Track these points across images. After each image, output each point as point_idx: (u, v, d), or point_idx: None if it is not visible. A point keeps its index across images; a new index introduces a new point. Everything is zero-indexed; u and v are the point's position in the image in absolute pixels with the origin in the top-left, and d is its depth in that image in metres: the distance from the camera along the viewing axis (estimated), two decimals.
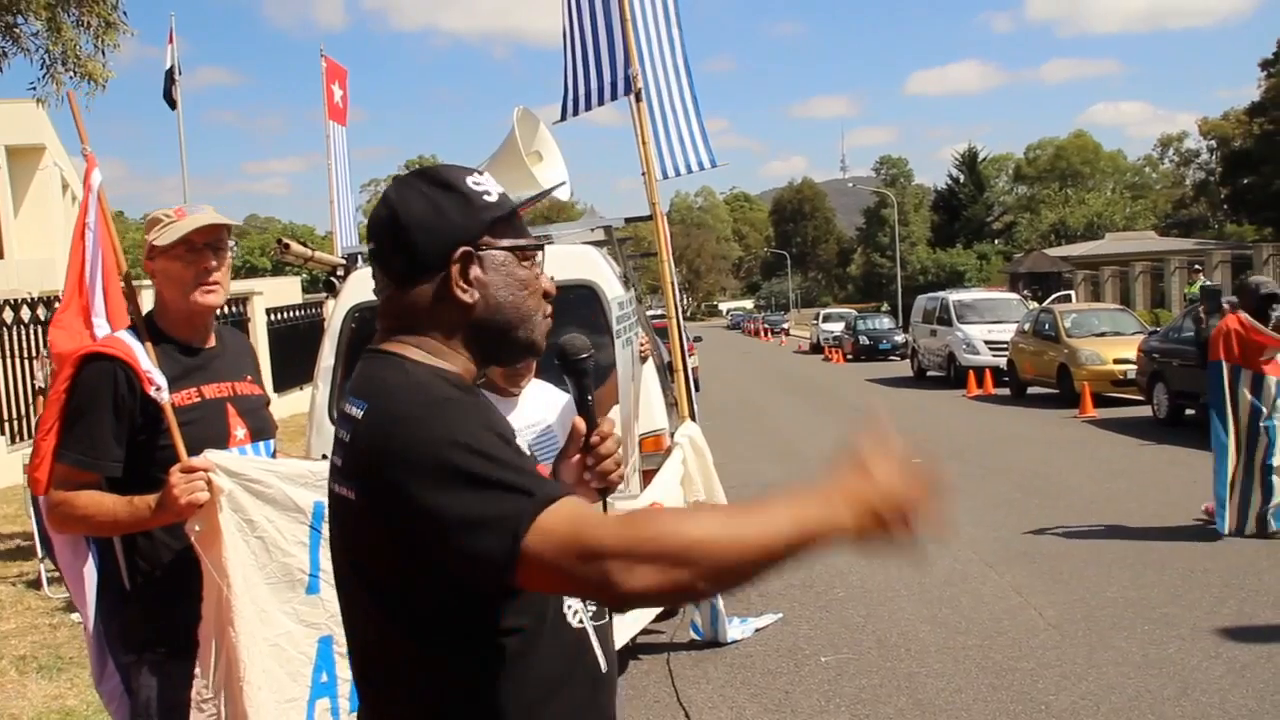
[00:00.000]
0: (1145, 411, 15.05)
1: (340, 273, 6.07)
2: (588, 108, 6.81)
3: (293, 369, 19.35)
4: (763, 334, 63.02)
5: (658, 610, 5.27)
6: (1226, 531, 7.73)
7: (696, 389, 9.13)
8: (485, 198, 1.62)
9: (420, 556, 1.44)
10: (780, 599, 6.85)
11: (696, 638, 6.06)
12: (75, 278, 2.91)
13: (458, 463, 1.41)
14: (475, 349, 1.63)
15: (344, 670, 2.77)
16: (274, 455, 2.95)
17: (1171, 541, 7.80)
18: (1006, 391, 19.92)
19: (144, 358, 2.66)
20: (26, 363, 12.85)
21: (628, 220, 6.89)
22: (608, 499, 1.90)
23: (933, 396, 20.88)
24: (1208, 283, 18.28)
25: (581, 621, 1.66)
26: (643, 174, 6.48)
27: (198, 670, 2.65)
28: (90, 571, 2.80)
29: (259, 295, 19.91)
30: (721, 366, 32.85)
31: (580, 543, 1.38)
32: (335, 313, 5.90)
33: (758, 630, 6.23)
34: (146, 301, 2.94)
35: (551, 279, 1.72)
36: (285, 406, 18.10)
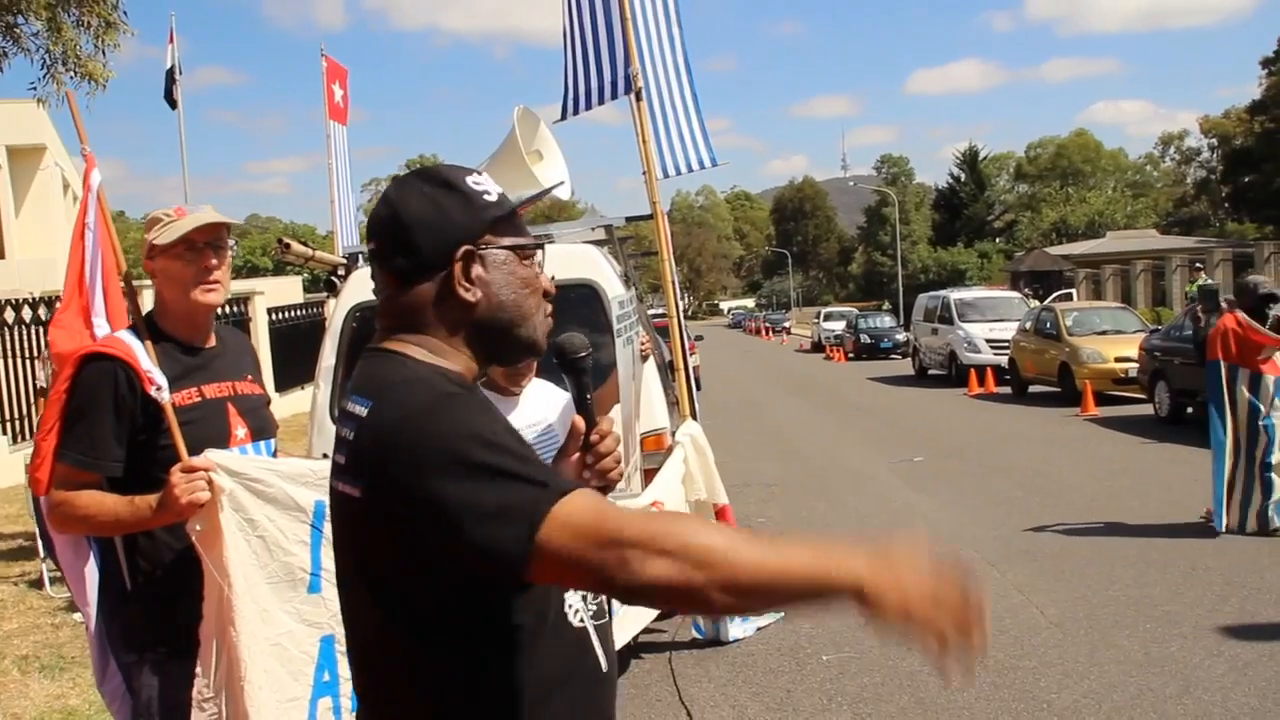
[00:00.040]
0: (1147, 410, 15.04)
1: (341, 272, 6.06)
2: (588, 107, 6.81)
3: (294, 368, 19.35)
4: (764, 333, 63.00)
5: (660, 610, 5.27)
6: (1224, 529, 7.77)
7: (698, 388, 9.14)
8: (485, 197, 1.63)
9: (426, 553, 1.44)
10: None
11: (698, 636, 6.06)
12: (75, 278, 2.91)
13: (470, 455, 1.41)
14: (477, 348, 1.63)
15: (346, 669, 2.76)
16: (275, 454, 2.95)
17: (1173, 540, 7.79)
18: (1008, 390, 19.91)
19: (144, 357, 2.66)
20: (28, 363, 12.85)
21: (628, 219, 6.88)
22: (607, 497, 1.90)
23: (934, 395, 20.88)
24: (1206, 281, 18.28)
25: (582, 621, 1.66)
26: (643, 173, 6.47)
27: (199, 670, 2.65)
28: (92, 571, 2.80)
29: (260, 295, 19.90)
30: (723, 365, 32.84)
31: (600, 529, 1.38)
32: (336, 312, 5.89)
33: (759, 629, 6.22)
34: (146, 302, 2.93)
35: (552, 278, 1.72)
36: (287, 406, 18.09)
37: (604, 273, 5.81)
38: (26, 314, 13.09)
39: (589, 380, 1.92)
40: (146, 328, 2.76)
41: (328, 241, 18.63)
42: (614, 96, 6.61)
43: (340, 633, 2.70)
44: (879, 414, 18.05)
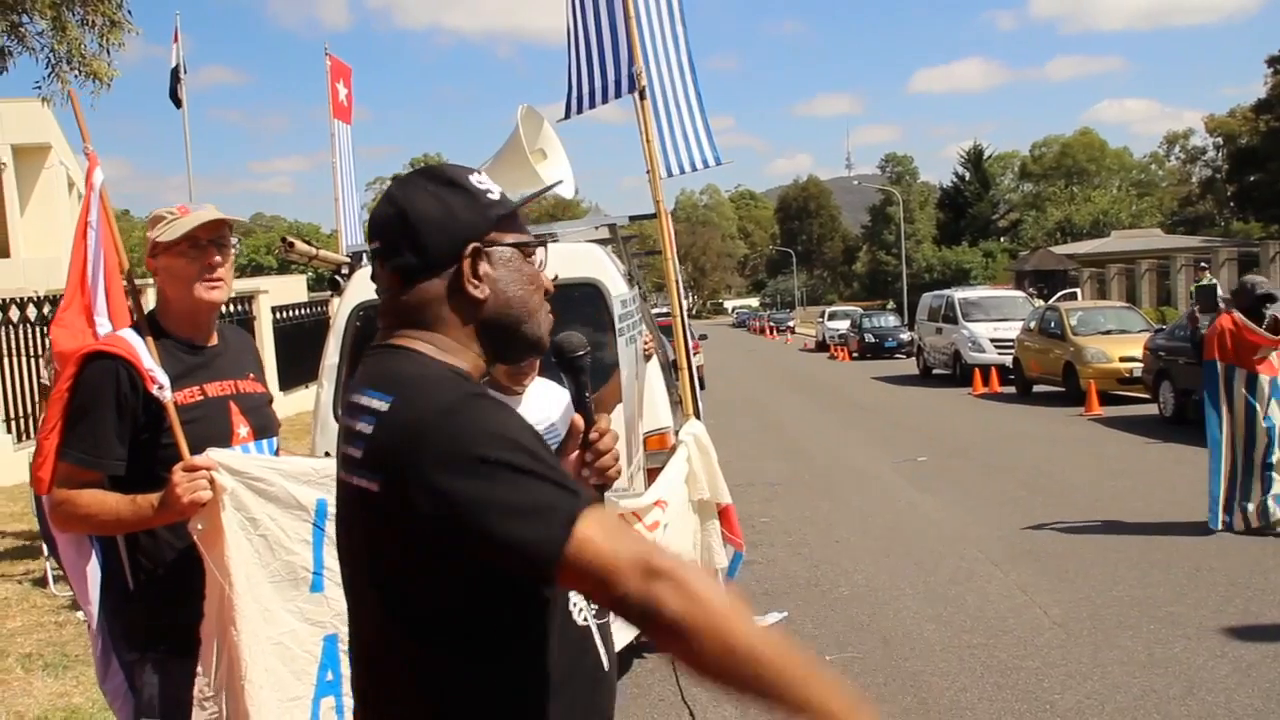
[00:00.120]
0: (1151, 410, 15.02)
1: (345, 271, 6.06)
2: (591, 106, 6.79)
3: (298, 367, 19.36)
4: (768, 332, 62.99)
5: None
6: (1219, 528, 7.83)
7: (702, 387, 9.13)
8: (489, 195, 1.64)
9: (446, 550, 1.44)
10: (785, 598, 6.85)
11: None
12: (77, 276, 2.92)
13: (505, 456, 1.42)
14: (484, 345, 1.64)
15: (349, 668, 2.76)
16: (277, 453, 2.95)
17: (1177, 540, 7.78)
18: (1012, 389, 19.89)
19: (146, 356, 2.66)
20: (33, 361, 12.86)
21: (632, 218, 6.87)
22: (606, 495, 1.92)
23: (938, 394, 20.86)
24: (1205, 281, 18.27)
25: (586, 620, 1.66)
26: (647, 172, 6.46)
27: (200, 669, 2.65)
28: (94, 570, 2.80)
29: (265, 294, 19.91)
30: (727, 364, 32.83)
31: (633, 545, 1.42)
32: (340, 311, 5.89)
33: None
34: (148, 301, 2.93)
35: (555, 277, 1.73)
36: (291, 404, 18.12)
37: (608, 271, 5.80)
38: (31, 312, 13.10)
39: (587, 379, 1.94)
40: (149, 326, 2.76)
41: (332, 240, 18.64)
42: (617, 95, 6.59)
43: (344, 632, 2.70)
44: (883, 413, 18.03)
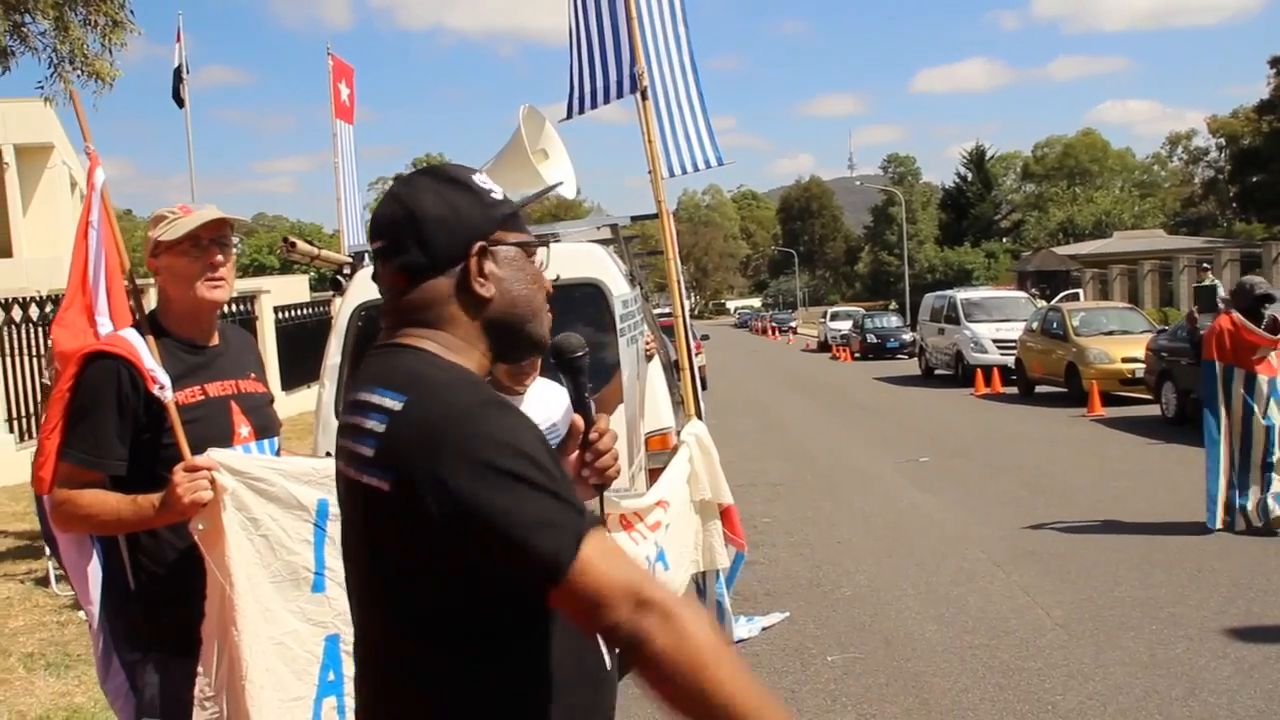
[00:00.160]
0: (1153, 410, 15.01)
1: (347, 271, 6.06)
2: (593, 106, 6.79)
3: (300, 367, 19.36)
4: (770, 332, 62.99)
5: None
6: (1217, 527, 7.89)
7: (704, 387, 9.12)
8: (493, 195, 1.65)
9: (450, 551, 1.44)
10: (787, 598, 6.85)
11: None
12: (78, 276, 2.92)
13: (517, 466, 1.43)
14: (490, 343, 1.64)
15: (351, 668, 2.76)
16: (278, 453, 2.95)
17: (1179, 541, 7.78)
18: (1014, 390, 19.89)
19: (147, 356, 2.66)
20: (35, 361, 12.88)
21: (634, 218, 6.86)
22: (606, 494, 1.94)
23: (940, 395, 20.85)
24: (1205, 282, 18.28)
25: None
26: (649, 172, 6.46)
27: (200, 669, 2.65)
28: (95, 570, 2.80)
29: (267, 294, 19.91)
30: (729, 365, 32.83)
31: (629, 579, 1.43)
32: (342, 310, 5.89)
33: (764, 629, 6.22)
34: (149, 301, 2.94)
35: (557, 277, 1.74)
36: (294, 404, 18.12)
37: (609, 272, 5.80)
38: (34, 312, 13.12)
39: (585, 379, 1.95)
40: (150, 326, 2.76)
41: (334, 240, 18.64)
42: (619, 95, 6.59)
43: (346, 632, 2.70)
44: (885, 414, 18.03)
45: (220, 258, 2.77)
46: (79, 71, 9.19)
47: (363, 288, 5.72)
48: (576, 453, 1.93)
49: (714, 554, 5.70)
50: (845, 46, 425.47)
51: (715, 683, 1.41)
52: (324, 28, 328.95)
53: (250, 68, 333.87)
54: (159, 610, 2.70)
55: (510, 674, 1.51)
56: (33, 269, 20.86)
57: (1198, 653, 5.48)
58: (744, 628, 6.12)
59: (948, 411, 17.89)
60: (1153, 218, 68.11)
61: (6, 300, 12.92)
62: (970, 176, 76.25)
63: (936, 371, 24.47)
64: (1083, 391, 16.59)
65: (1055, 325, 18.87)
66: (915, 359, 27.55)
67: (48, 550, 7.12)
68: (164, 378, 2.64)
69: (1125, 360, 16.65)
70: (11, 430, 12.93)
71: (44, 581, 7.54)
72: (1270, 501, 7.80)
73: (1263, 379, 7.80)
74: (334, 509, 2.67)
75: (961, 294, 25.35)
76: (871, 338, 34.52)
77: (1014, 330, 21.14)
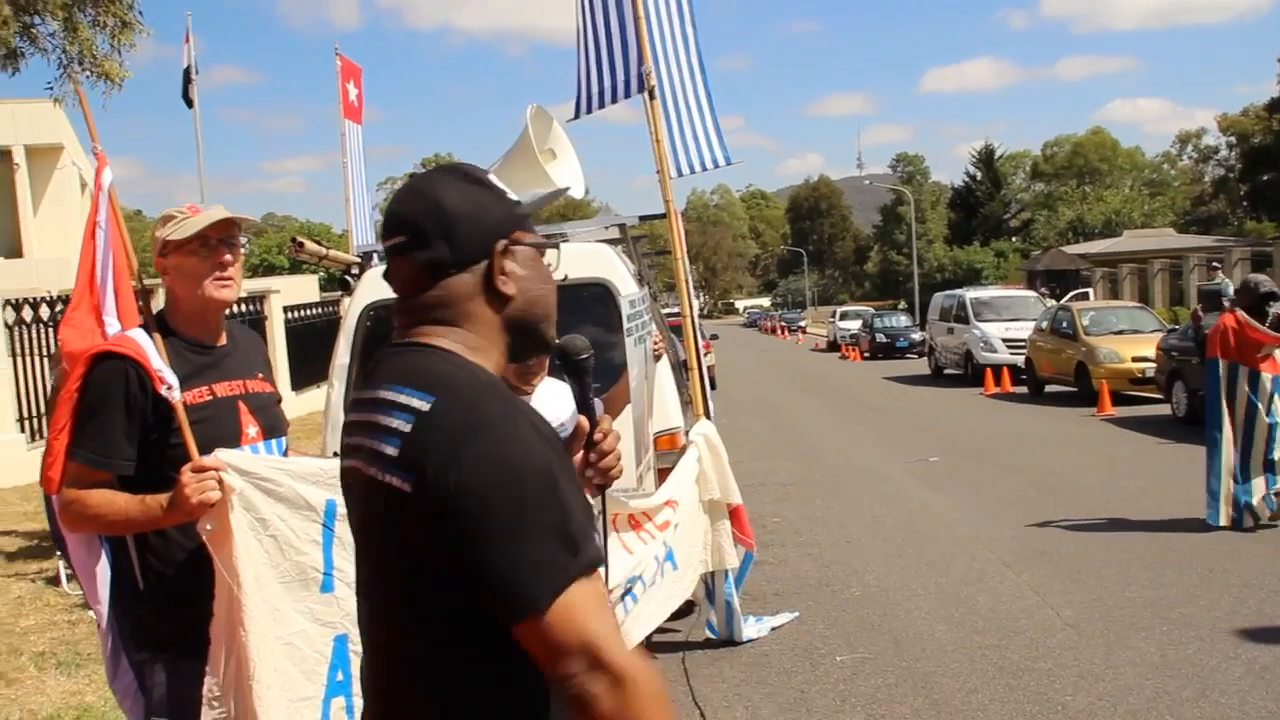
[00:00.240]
0: (1164, 410, 14.97)
1: (355, 271, 6.07)
2: (601, 105, 6.80)
3: (310, 367, 19.38)
4: (779, 332, 62.95)
5: (673, 609, 5.26)
6: (1220, 524, 7.92)
7: (713, 387, 9.12)
8: (510, 195, 1.66)
9: (458, 557, 1.44)
10: (796, 598, 6.84)
11: (712, 636, 6.05)
12: (86, 276, 2.92)
13: (529, 496, 1.43)
14: (508, 342, 1.64)
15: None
16: (286, 453, 2.95)
17: (1190, 541, 7.75)
18: (1024, 390, 19.84)
19: (155, 356, 2.66)
20: (45, 361, 12.92)
21: (642, 218, 6.87)
22: (615, 494, 1.95)
23: (950, 395, 20.81)
24: (1213, 281, 18.24)
25: None
26: (657, 172, 6.46)
27: (208, 668, 2.65)
28: (104, 570, 2.81)
29: (276, 294, 19.94)
30: (738, 364, 32.81)
31: (591, 637, 1.42)
32: (351, 310, 5.89)
33: (773, 629, 6.21)
34: (158, 302, 2.94)
35: (565, 277, 1.75)
36: (303, 404, 18.14)
37: (617, 271, 5.79)
38: (44, 312, 13.16)
39: (590, 381, 1.97)
40: (157, 326, 2.77)
41: (343, 240, 18.68)
42: (627, 95, 6.60)
43: (354, 632, 2.70)
44: (894, 413, 18.00)
45: (228, 257, 2.77)
46: (88, 72, 9.22)
47: (371, 287, 5.72)
48: (581, 453, 1.94)
49: (723, 554, 5.70)
50: (854, 46, 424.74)
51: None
52: (332, 28, 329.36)
53: (259, 68, 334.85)
54: (167, 610, 2.70)
55: (519, 673, 1.51)
56: (43, 269, 20.92)
57: (1209, 653, 5.45)
58: (753, 628, 6.11)
59: (957, 411, 17.85)
60: (1163, 216, 67.90)
61: (17, 300, 12.97)
62: (979, 176, 76.17)
63: (946, 371, 24.41)
64: (1093, 391, 16.54)
65: (1065, 324, 18.82)
66: (924, 358, 27.48)
67: (58, 550, 7.16)
68: (172, 378, 2.64)
69: (1135, 360, 16.59)
70: (23, 430, 12.97)
71: (55, 581, 7.56)
72: (1274, 498, 7.83)
73: (1267, 377, 7.83)
74: (342, 509, 2.68)
75: (971, 293, 25.27)
76: (881, 337, 34.47)
77: (1023, 330, 21.07)
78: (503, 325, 1.62)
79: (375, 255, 6.29)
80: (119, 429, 2.63)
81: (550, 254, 1.72)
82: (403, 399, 1.51)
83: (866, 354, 34.63)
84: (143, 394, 2.63)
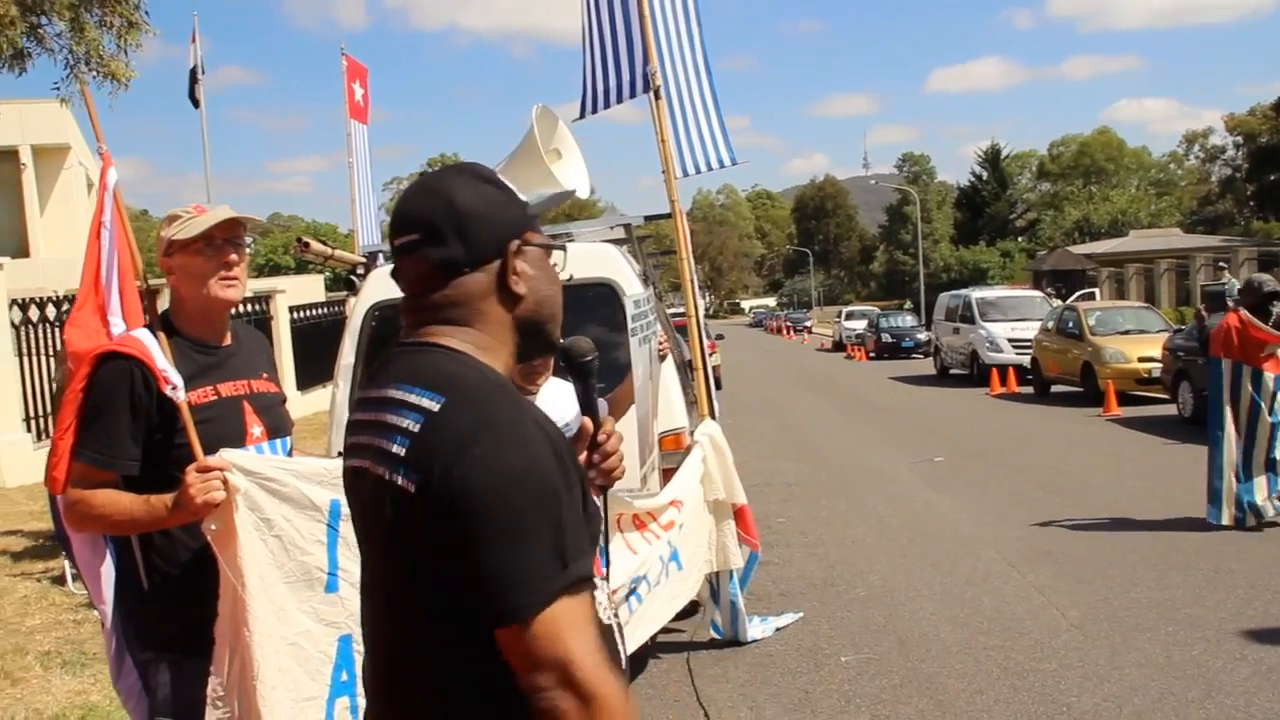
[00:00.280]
0: (1170, 410, 14.94)
1: (361, 271, 6.07)
2: (606, 105, 6.80)
3: (315, 366, 19.41)
4: (785, 332, 62.94)
5: (677, 609, 5.26)
6: (1223, 523, 7.93)
7: (718, 387, 9.11)
8: (520, 196, 1.66)
9: (459, 557, 1.44)
10: (801, 598, 6.83)
11: (717, 637, 6.04)
12: (91, 276, 2.93)
13: (530, 505, 1.43)
14: (517, 342, 1.64)
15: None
16: (291, 453, 2.95)
17: (1196, 542, 7.73)
18: (1030, 390, 19.81)
19: (160, 356, 2.66)
20: (51, 360, 12.95)
21: (648, 218, 6.87)
22: (619, 495, 1.97)
23: (956, 395, 20.80)
24: (1220, 281, 18.21)
25: (609, 618, 1.66)
26: (662, 171, 6.46)
27: (212, 668, 2.65)
28: (108, 570, 2.81)
29: (282, 293, 19.97)
30: (743, 364, 32.79)
31: (566, 653, 1.42)
32: (356, 310, 5.90)
33: (778, 629, 6.20)
34: (163, 302, 2.94)
35: (570, 277, 1.75)
36: (309, 404, 18.17)
37: (622, 271, 5.79)
38: (51, 312, 13.19)
39: (594, 382, 1.99)
40: (162, 326, 2.77)
41: (349, 240, 18.67)
42: (632, 95, 6.59)
43: (359, 633, 2.71)
44: (900, 414, 17.99)
45: (234, 257, 2.78)
46: (94, 72, 9.22)
47: (377, 287, 5.73)
48: (584, 454, 1.95)
49: (728, 554, 5.70)
50: (859, 46, 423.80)
51: None
52: (339, 28, 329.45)
53: (265, 68, 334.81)
54: (172, 610, 2.70)
55: None
56: (49, 269, 20.93)
57: (1214, 654, 5.44)
58: (758, 628, 6.11)
59: (963, 411, 17.84)
60: (1169, 216, 67.80)
61: (24, 300, 13.00)
62: (985, 175, 75.97)
63: (952, 371, 24.40)
64: (1098, 391, 16.52)
65: (1071, 324, 18.79)
66: (930, 358, 27.48)
67: (63, 549, 7.17)
68: (177, 378, 2.65)
69: (1141, 360, 16.57)
70: (29, 429, 13.00)
71: (60, 580, 7.58)
72: (1278, 499, 7.86)
73: (1270, 376, 7.84)
74: (346, 509, 2.68)
75: (977, 293, 25.28)
76: (886, 337, 34.47)
77: (1029, 330, 21.06)
78: (513, 325, 1.63)
79: (381, 255, 6.30)
80: (124, 429, 2.63)
81: (556, 254, 1.72)
82: (412, 398, 1.51)
83: (872, 354, 34.63)
84: (148, 394, 2.64)
